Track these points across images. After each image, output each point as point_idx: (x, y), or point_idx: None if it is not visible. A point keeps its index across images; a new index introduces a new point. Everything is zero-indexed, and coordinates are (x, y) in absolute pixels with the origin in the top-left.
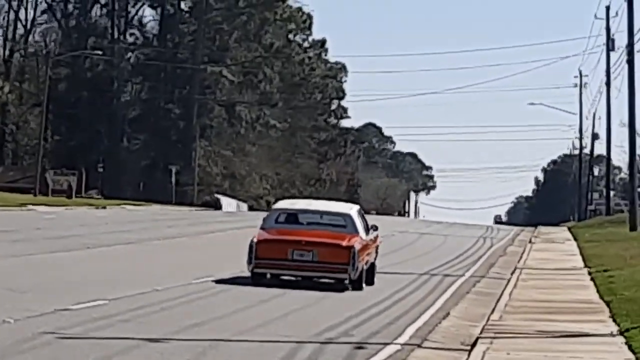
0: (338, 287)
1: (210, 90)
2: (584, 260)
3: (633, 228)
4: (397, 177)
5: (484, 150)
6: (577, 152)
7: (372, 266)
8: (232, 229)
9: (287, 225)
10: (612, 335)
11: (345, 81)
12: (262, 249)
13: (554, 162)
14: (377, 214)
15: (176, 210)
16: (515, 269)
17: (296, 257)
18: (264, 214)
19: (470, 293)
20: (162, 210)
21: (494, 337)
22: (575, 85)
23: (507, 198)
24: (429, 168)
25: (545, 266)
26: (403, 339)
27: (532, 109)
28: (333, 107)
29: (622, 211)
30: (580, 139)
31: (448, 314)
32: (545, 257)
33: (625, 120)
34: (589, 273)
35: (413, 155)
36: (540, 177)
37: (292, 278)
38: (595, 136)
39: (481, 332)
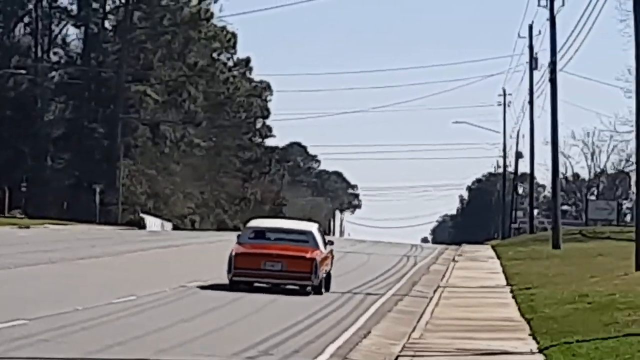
0: (302, 292)
1: (135, 109)
2: (506, 278)
3: (556, 246)
4: (322, 196)
5: (409, 169)
6: (501, 170)
7: (329, 275)
8: (155, 248)
9: (260, 241)
10: (531, 353)
11: (270, 100)
12: (239, 260)
13: (478, 180)
14: None
15: (100, 229)
16: (438, 287)
17: (268, 267)
18: (189, 234)
19: (392, 311)
20: (86, 229)
21: (414, 356)
22: (499, 104)
23: (433, 216)
24: (354, 187)
25: (468, 284)
26: (323, 357)
27: (456, 127)
28: (258, 126)
29: (545, 229)
30: (504, 157)
31: (369, 332)
32: (469, 275)
33: (549, 138)
34: (511, 291)
35: (338, 174)
36: (465, 195)
37: (264, 285)
38: (519, 154)
39: (401, 351)
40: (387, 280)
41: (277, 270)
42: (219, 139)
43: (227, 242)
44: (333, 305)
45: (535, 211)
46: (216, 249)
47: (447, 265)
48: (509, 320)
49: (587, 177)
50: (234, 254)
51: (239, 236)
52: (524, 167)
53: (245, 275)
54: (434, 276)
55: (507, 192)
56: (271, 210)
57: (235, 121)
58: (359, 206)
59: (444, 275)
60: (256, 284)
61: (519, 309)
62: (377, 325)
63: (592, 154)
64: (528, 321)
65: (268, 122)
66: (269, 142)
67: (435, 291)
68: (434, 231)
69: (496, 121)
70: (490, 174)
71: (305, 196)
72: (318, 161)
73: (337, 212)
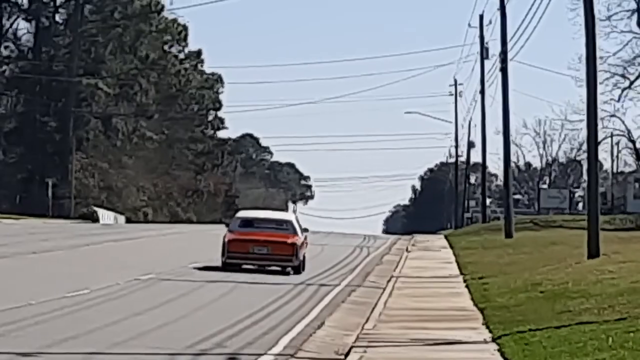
0: (284, 272)
1: (86, 103)
2: (459, 267)
3: (509, 235)
4: (275, 187)
5: (362, 160)
6: (453, 160)
7: (304, 257)
8: (108, 241)
9: (247, 229)
10: (485, 342)
11: (221, 92)
12: (232, 245)
13: (431, 170)
14: None
15: (53, 223)
16: (391, 278)
17: (255, 251)
18: (142, 226)
19: (346, 302)
20: (39, 223)
21: (368, 346)
22: (451, 94)
23: (385, 207)
24: (306, 178)
25: (421, 274)
26: (277, 349)
27: (408, 117)
28: (210, 118)
29: (498, 218)
30: (456, 147)
31: (323, 323)
32: (422, 265)
33: (500, 127)
34: (464, 280)
35: (291, 166)
36: (418, 185)
37: (252, 266)
38: (471, 144)
39: (355, 341)
40: (340, 271)
41: (264, 254)
42: (171, 131)
43: (180, 235)
44: (287, 296)
45: (488, 200)
46: (169, 241)
47: (400, 256)
48: (462, 309)
49: (539, 166)
50: (226, 240)
51: (229, 224)
52: (476, 156)
53: (236, 258)
54: (387, 266)
55: (459, 182)
56: (224, 202)
57: (187, 114)
58: (312, 197)
59: (397, 266)
60: (244, 266)
61: (472, 298)
62: (330, 316)
63: (544, 143)
64: (481, 310)
65: (220, 114)
66: (221, 134)
67: (388, 281)
68: (386, 221)
69: (448, 111)
70: (442, 163)
71: (258, 187)
72: (270, 153)
73: (290, 203)
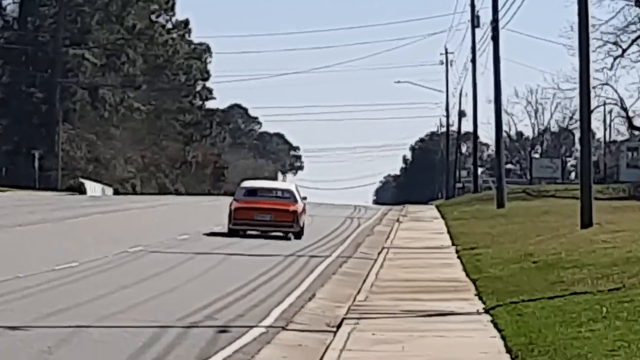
0: (285, 237)
1: (73, 74)
2: (451, 238)
3: (500, 205)
4: (264, 158)
5: (352, 130)
6: (444, 129)
7: (304, 224)
8: (96, 213)
9: (252, 197)
10: (477, 313)
11: (209, 62)
12: (237, 213)
13: (421, 140)
14: None
15: (40, 195)
16: (382, 249)
17: (259, 218)
18: (130, 198)
19: (337, 274)
20: (26, 195)
21: (360, 318)
22: (442, 63)
23: (376, 177)
24: (296, 148)
25: (412, 245)
26: (268, 321)
27: (399, 87)
28: (198, 88)
29: (490, 188)
30: (447, 116)
31: (314, 295)
32: (413, 236)
33: (492, 96)
34: (457, 251)
35: (280, 136)
36: (409, 155)
37: (256, 232)
38: (462, 113)
39: (347, 313)
40: (331, 243)
41: (267, 220)
42: (158, 102)
43: (168, 207)
44: (277, 268)
45: (480, 170)
46: (158, 213)
47: (392, 227)
48: (454, 280)
49: (530, 135)
50: (233, 208)
51: (235, 194)
52: (467, 126)
53: (241, 225)
54: (378, 237)
55: (450, 152)
56: (213, 173)
57: (175, 84)
58: (301, 168)
59: (388, 237)
60: (249, 232)
61: (465, 269)
62: (321, 288)
63: (536, 112)
64: (474, 281)
65: (208, 84)
66: (210, 104)
67: (379, 253)
68: (377, 192)
69: (439, 80)
70: (433, 133)
71: (247, 158)
72: (259, 123)
73: (280, 174)
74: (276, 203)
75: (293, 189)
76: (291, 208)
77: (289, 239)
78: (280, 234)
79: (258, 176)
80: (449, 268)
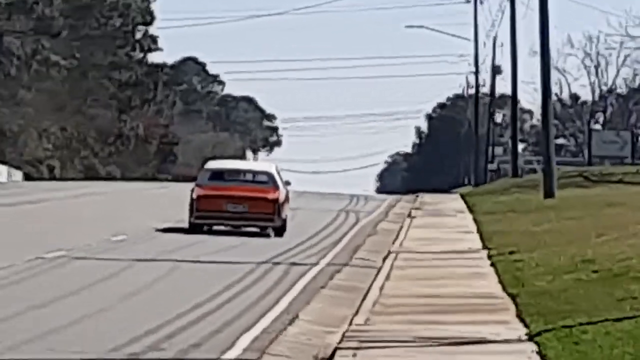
0: (263, 234)
1: None
2: (482, 239)
3: (549, 194)
4: (228, 130)
5: (346, 92)
6: (472, 91)
7: (286, 217)
8: (0, 205)
9: (220, 182)
10: (519, 340)
11: (154, 0)
12: (201, 202)
13: (441, 106)
14: None
15: None
16: (388, 254)
17: (230, 209)
18: (47, 185)
19: (327, 288)
20: None
21: (358, 348)
22: (469, 1)
23: (380, 157)
24: (271, 117)
25: (429, 249)
26: (234, 352)
27: (410, 33)
28: (138, 36)
29: (534, 171)
30: (476, 73)
31: (296, 317)
32: (430, 236)
33: (537, 47)
34: (490, 257)
35: (249, 100)
36: (424, 127)
37: (225, 228)
38: (496, 69)
39: (341, 341)
40: (319, 245)
41: (240, 212)
42: (84, 54)
43: (99, 197)
44: (247, 279)
45: (520, 147)
46: (84, 205)
47: (401, 223)
48: (487, 296)
49: (590, 100)
50: (195, 196)
51: (197, 178)
52: (503, 86)
53: (207, 218)
54: (383, 238)
55: (480, 122)
56: (159, 151)
57: (106, 30)
58: (278, 143)
59: (396, 237)
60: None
61: (501, 281)
62: (306, 307)
63: (597, 68)
64: (513, 298)
65: (152, 30)
66: (154, 57)
67: (385, 259)
68: (381, 177)
69: (464, 25)
70: (457, 96)
71: (205, 131)
72: (221, 83)
73: (249, 152)
74: (252, 189)
75: (273, 171)
76: (271, 196)
77: (268, 235)
78: (257, 229)
79: (222, 155)
80: (480, 279)
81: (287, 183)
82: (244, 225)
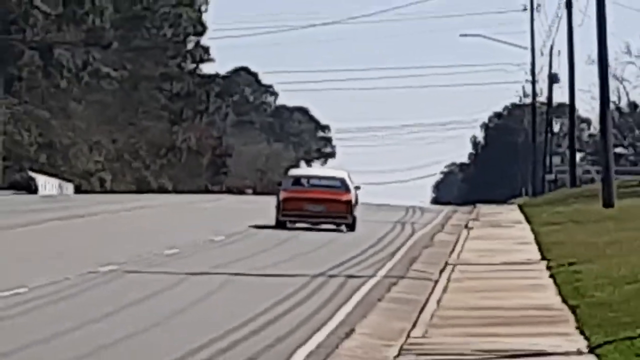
0: (337, 229)
1: (17, 28)
2: (540, 250)
3: (608, 204)
4: (282, 142)
5: (401, 102)
6: (529, 100)
7: (356, 216)
8: (52, 219)
9: (301, 187)
10: (579, 353)
11: (205, 10)
12: (287, 203)
13: (497, 115)
14: (255, 193)
15: None
16: (445, 266)
17: (310, 209)
18: (98, 198)
19: (384, 300)
20: None
21: None
22: (525, 9)
23: (436, 167)
24: (325, 128)
25: (487, 260)
26: None
27: (465, 42)
28: (189, 46)
29: (592, 181)
30: (533, 82)
31: (353, 330)
32: (488, 247)
33: (594, 55)
34: (548, 268)
35: (303, 111)
36: (480, 137)
37: (307, 225)
38: (553, 78)
39: (398, 355)
40: (375, 257)
41: (318, 211)
42: (135, 66)
43: (150, 210)
44: (301, 292)
45: (578, 156)
46: (137, 218)
47: (458, 235)
48: (546, 308)
49: None
50: (281, 198)
51: (282, 183)
52: (560, 95)
53: (291, 216)
54: (439, 250)
55: (538, 131)
56: (211, 163)
57: (157, 41)
58: (332, 155)
59: (453, 249)
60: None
61: (560, 292)
62: (363, 321)
63: None
64: (573, 309)
65: (203, 41)
66: (206, 68)
67: (442, 271)
68: (437, 187)
69: (521, 33)
70: (514, 105)
71: (258, 142)
72: (275, 94)
73: (303, 164)
74: (328, 192)
75: (345, 177)
76: (344, 198)
77: (342, 230)
78: (333, 225)
79: (273, 168)
80: (538, 291)
81: (357, 187)
82: (321, 222)
